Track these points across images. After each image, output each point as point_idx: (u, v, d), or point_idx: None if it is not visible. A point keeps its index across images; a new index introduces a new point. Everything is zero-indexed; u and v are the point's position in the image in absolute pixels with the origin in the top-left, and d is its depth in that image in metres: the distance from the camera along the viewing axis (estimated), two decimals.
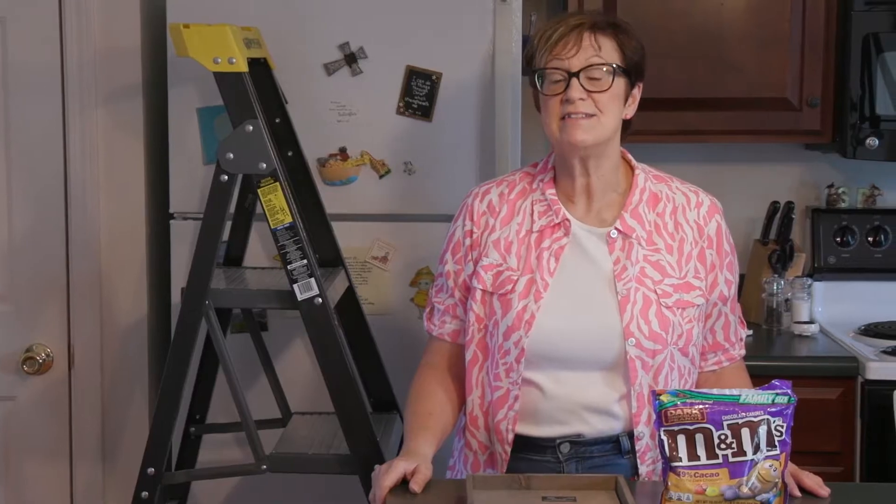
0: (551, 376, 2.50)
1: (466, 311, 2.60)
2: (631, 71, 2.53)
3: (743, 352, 2.68)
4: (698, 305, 2.55)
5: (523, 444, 2.54)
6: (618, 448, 2.53)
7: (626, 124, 2.59)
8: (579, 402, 2.51)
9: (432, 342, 2.69)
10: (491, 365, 2.55)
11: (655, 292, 2.50)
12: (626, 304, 2.48)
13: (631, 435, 2.52)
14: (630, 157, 2.64)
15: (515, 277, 2.52)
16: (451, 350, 2.66)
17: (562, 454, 2.52)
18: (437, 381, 2.63)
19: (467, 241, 2.61)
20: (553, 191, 2.57)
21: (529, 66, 2.55)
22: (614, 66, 2.48)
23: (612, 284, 2.50)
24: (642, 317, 2.48)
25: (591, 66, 2.46)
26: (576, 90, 2.46)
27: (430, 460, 2.41)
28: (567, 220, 2.54)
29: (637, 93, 2.58)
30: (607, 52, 2.48)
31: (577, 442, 2.52)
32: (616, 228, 2.53)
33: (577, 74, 2.46)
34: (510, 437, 2.53)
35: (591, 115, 2.47)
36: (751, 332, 3.78)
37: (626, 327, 2.47)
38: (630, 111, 2.57)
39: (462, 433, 2.65)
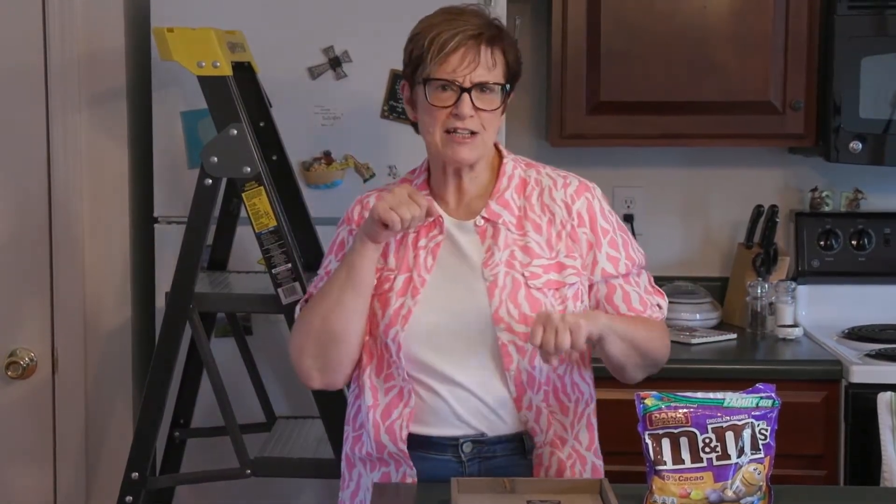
0: (442, 377, 2.48)
1: None
2: (511, 81, 2.52)
3: (659, 316, 2.62)
4: (572, 284, 2.52)
5: (425, 444, 2.50)
6: (521, 447, 2.52)
7: None
8: (477, 400, 2.48)
9: None
10: (377, 367, 2.52)
11: (523, 275, 2.48)
12: (493, 290, 2.47)
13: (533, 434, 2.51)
14: (501, 146, 2.62)
15: (392, 276, 2.52)
16: None
17: (464, 454, 2.50)
18: None
19: (350, 241, 2.58)
20: (426, 192, 2.57)
21: (413, 69, 2.50)
22: (503, 85, 2.47)
23: (481, 272, 2.50)
24: (511, 301, 2.46)
25: (484, 83, 2.45)
26: (467, 107, 2.43)
27: None
28: (440, 217, 2.53)
29: (509, 98, 2.55)
30: (500, 68, 2.47)
31: (479, 441, 2.50)
32: (482, 217, 2.53)
33: (469, 91, 2.44)
34: (404, 434, 2.49)
35: (475, 133, 2.46)
36: (735, 335, 3.79)
37: (496, 312, 2.46)
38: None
39: (355, 443, 2.61)
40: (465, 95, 2.43)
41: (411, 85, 2.52)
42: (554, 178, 2.59)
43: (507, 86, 2.49)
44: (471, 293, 2.49)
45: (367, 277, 2.49)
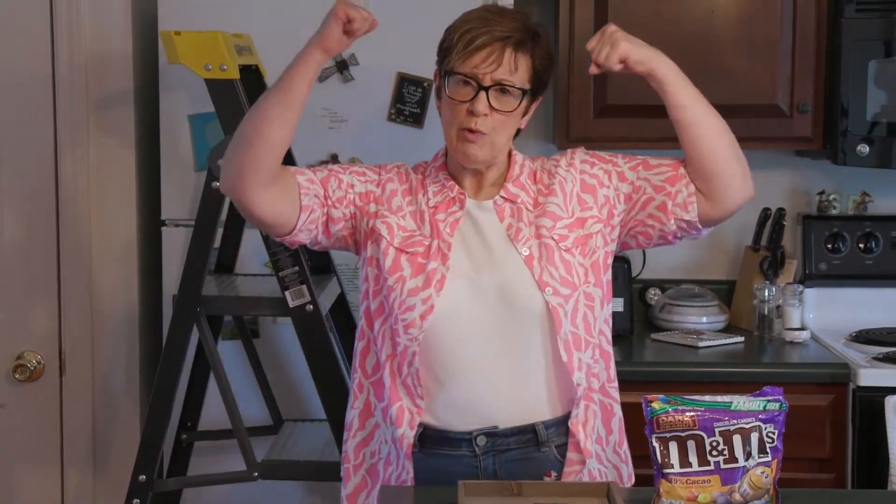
0: (458, 359, 2.48)
1: (332, 222, 2.56)
2: (536, 88, 2.54)
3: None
4: (598, 231, 2.56)
5: (439, 440, 2.51)
6: (535, 440, 2.52)
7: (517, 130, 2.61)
8: (491, 382, 2.49)
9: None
10: (389, 322, 2.52)
11: (552, 238, 2.52)
12: (531, 261, 2.50)
13: (548, 425, 2.51)
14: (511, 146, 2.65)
15: (427, 242, 2.52)
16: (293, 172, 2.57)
17: (478, 447, 2.50)
18: None
19: (372, 187, 2.58)
20: (445, 172, 2.59)
21: (441, 59, 2.53)
22: (524, 89, 2.49)
23: (512, 246, 2.52)
24: (550, 265, 2.50)
25: (503, 84, 2.47)
26: (482, 104, 2.46)
27: None
28: (462, 194, 2.56)
29: (535, 105, 2.58)
30: (522, 72, 2.49)
31: (493, 434, 2.50)
32: (501, 196, 2.56)
33: (487, 89, 2.46)
34: (419, 390, 2.49)
35: (486, 134, 2.48)
36: (742, 338, 3.79)
37: (540, 279, 2.49)
38: (524, 122, 2.58)
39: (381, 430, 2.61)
40: (483, 93, 2.46)
41: (440, 75, 2.55)
42: (556, 159, 2.64)
43: (529, 91, 2.50)
44: (504, 262, 2.50)
45: (300, 89, 2.44)
